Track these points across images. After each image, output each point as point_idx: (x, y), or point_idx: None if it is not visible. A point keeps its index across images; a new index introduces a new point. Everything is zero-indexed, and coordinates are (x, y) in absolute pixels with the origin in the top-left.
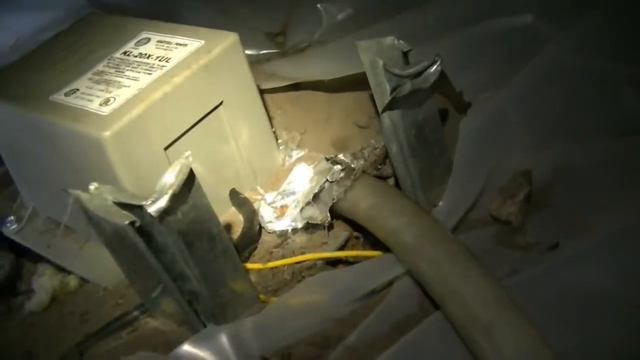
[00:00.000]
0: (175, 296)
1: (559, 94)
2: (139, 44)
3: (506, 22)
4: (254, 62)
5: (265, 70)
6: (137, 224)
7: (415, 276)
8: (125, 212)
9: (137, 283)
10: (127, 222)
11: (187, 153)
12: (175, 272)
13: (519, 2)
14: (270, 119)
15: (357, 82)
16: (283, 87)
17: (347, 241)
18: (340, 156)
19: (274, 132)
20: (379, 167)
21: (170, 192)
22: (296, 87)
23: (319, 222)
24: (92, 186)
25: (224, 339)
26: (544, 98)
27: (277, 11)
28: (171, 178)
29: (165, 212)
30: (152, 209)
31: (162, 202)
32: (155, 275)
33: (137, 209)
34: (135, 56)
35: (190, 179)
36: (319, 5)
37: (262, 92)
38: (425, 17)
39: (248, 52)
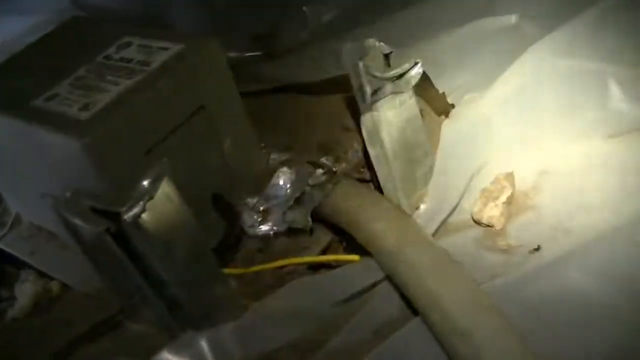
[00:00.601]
0: (154, 302)
1: (543, 95)
2: (120, 48)
3: (490, 23)
4: (239, 65)
5: (250, 73)
6: (113, 230)
7: (395, 281)
8: (101, 219)
9: (117, 289)
10: (102, 229)
11: (165, 159)
12: (154, 278)
13: (503, 3)
14: (254, 122)
15: (343, 85)
16: (267, 89)
17: (329, 245)
18: (323, 160)
19: (258, 136)
20: (361, 170)
21: (146, 197)
22: (281, 89)
23: (301, 227)
24: (68, 192)
25: (203, 345)
26: (528, 99)
27: (263, 13)
28: (147, 183)
29: (141, 219)
30: (128, 215)
31: (138, 208)
32: (134, 281)
33: (113, 215)
34: (116, 60)
35: (167, 185)
36: (304, 8)
37: (247, 94)
38: (409, 19)
39: (233, 54)
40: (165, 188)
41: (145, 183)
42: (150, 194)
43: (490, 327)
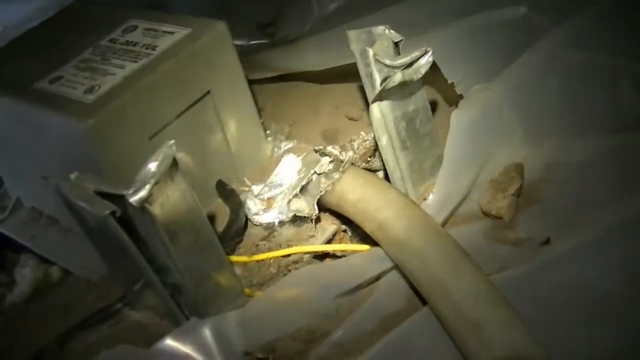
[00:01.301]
0: (158, 289)
1: (552, 87)
2: (126, 31)
3: (499, 13)
4: (244, 53)
5: (255, 61)
6: (118, 214)
7: (404, 271)
8: (106, 202)
9: (120, 275)
10: (107, 212)
11: (171, 142)
12: (158, 264)
13: None
14: (259, 109)
15: (348, 74)
16: (272, 77)
17: (334, 235)
18: (329, 148)
19: (263, 123)
20: (369, 159)
21: (152, 181)
22: (286, 78)
23: (306, 215)
24: (73, 175)
25: (207, 333)
26: (537, 91)
27: (268, 1)
28: (154, 167)
29: (147, 202)
30: (134, 199)
31: (144, 192)
32: (138, 267)
33: (118, 199)
34: (122, 44)
35: (173, 169)
36: None
37: (251, 82)
38: (417, 8)
39: (238, 42)
40: (172, 172)
41: (151, 166)
42: (156, 178)
43: (500, 319)
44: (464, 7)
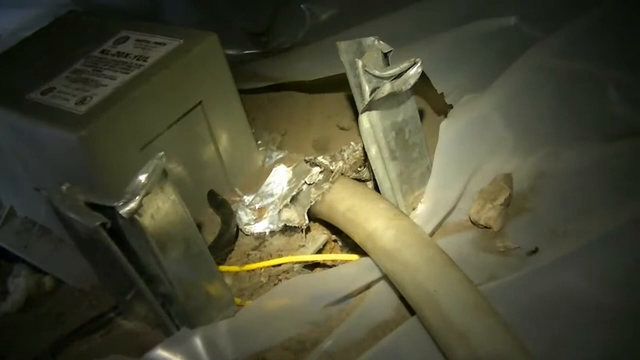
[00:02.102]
0: (149, 299)
1: (542, 97)
2: (118, 42)
3: (489, 24)
4: (236, 62)
5: (247, 71)
6: (109, 225)
7: (392, 281)
8: (96, 213)
9: (111, 285)
10: (98, 224)
11: (161, 153)
12: (148, 275)
13: (502, 4)
14: (250, 119)
15: (339, 84)
16: (264, 87)
17: (324, 244)
18: (319, 158)
19: (254, 133)
20: (359, 169)
21: (142, 192)
22: (278, 88)
23: (297, 225)
24: (64, 186)
25: (197, 342)
26: (526, 101)
27: (261, 11)
28: (144, 178)
29: (137, 214)
30: (124, 210)
31: (134, 203)
32: (128, 277)
33: (108, 210)
34: (113, 55)
35: (163, 180)
36: (302, 6)
37: (243, 92)
38: (408, 19)
39: (230, 52)
40: (162, 183)
41: (141, 178)
42: (146, 189)
43: (487, 328)
44: (455, 17)
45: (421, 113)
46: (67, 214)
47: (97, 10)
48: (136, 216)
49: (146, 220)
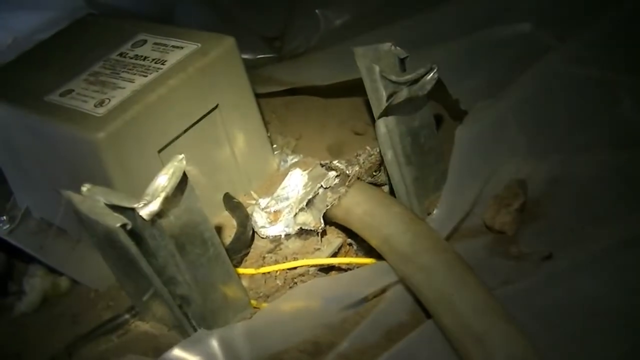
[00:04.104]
0: (166, 300)
1: (557, 104)
2: (135, 45)
3: (504, 30)
4: (251, 67)
5: (262, 75)
6: (129, 227)
7: (408, 284)
8: (117, 215)
9: (128, 286)
10: (118, 225)
11: (181, 156)
12: (167, 276)
13: (518, 10)
14: (265, 123)
15: (354, 88)
16: (279, 92)
17: (340, 248)
18: (335, 162)
19: (269, 137)
20: (374, 173)
21: (162, 194)
22: (292, 92)
23: (313, 228)
24: (85, 187)
25: (214, 344)
26: (541, 107)
27: (275, 16)
28: (164, 180)
29: (157, 215)
30: (144, 212)
31: (155, 205)
32: (146, 278)
33: (128, 212)
34: (131, 58)
35: (183, 182)
36: (317, 11)
37: (258, 96)
38: (423, 24)
39: (245, 56)
40: (182, 185)
41: (161, 179)
42: (166, 191)
43: (504, 333)
44: (470, 23)
45: (437, 118)
46: (88, 215)
47: (111, 13)
48: (156, 218)
49: (166, 222)
